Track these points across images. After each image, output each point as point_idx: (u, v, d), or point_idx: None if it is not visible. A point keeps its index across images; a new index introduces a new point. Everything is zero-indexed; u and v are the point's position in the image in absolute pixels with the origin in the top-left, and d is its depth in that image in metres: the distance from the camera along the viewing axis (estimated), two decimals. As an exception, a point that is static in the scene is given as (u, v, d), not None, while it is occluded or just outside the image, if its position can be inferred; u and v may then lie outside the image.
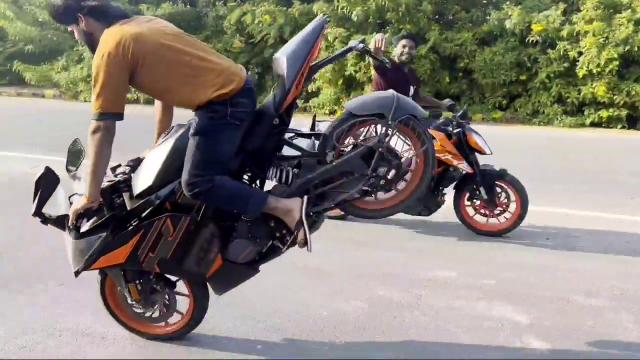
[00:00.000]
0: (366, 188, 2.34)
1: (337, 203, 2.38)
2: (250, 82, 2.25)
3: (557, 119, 9.20)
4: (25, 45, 12.57)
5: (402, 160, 2.38)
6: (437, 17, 10.62)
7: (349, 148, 2.37)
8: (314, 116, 2.58)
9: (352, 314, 2.85)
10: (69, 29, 2.22)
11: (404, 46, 4.00)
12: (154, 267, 2.30)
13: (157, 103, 2.49)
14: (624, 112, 8.87)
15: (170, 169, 2.20)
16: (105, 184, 2.27)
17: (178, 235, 2.23)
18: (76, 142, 2.58)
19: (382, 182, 2.35)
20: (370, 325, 2.74)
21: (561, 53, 9.12)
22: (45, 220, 2.27)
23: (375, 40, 3.34)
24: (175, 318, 2.59)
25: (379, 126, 2.35)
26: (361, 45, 2.38)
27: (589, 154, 7.22)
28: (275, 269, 3.20)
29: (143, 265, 2.28)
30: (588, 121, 9.05)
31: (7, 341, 2.57)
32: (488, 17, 10.17)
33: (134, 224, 2.24)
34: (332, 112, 9.91)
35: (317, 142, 2.39)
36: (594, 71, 8.79)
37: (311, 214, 2.31)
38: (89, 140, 2.09)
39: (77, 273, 2.29)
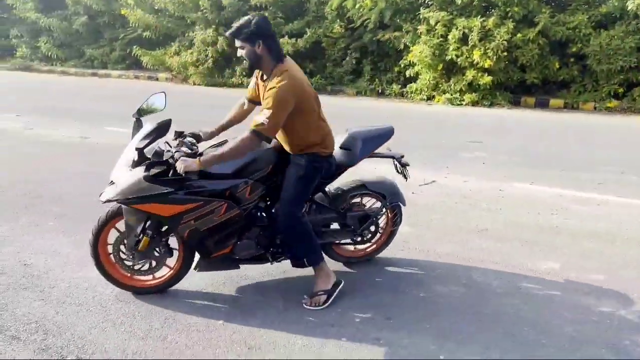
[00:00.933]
0: (349, 241, 3.10)
1: (324, 242, 2.98)
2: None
3: (683, 109, 8.32)
4: (143, 32, 13.53)
5: (380, 231, 3.18)
6: (548, -2, 9.97)
7: (353, 207, 3.09)
8: None
9: (447, 297, 2.87)
10: (239, 44, 2.59)
11: None
12: (184, 232, 2.63)
13: (240, 101, 2.93)
14: None
15: (248, 170, 2.68)
16: (187, 150, 2.61)
17: (223, 218, 2.62)
18: (163, 96, 2.87)
19: (362, 239, 3.11)
20: (465, 308, 2.75)
21: (692, 37, 8.21)
22: (142, 156, 2.58)
23: None
24: (160, 273, 2.87)
25: (378, 203, 3.13)
26: (402, 159, 3.07)
27: None
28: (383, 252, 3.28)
29: (178, 227, 2.62)
30: None
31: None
32: (607, -1, 9.37)
33: (189, 192, 2.57)
34: (430, 98, 9.73)
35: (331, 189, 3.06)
36: None
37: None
38: (241, 140, 2.52)
39: (109, 200, 2.61)
